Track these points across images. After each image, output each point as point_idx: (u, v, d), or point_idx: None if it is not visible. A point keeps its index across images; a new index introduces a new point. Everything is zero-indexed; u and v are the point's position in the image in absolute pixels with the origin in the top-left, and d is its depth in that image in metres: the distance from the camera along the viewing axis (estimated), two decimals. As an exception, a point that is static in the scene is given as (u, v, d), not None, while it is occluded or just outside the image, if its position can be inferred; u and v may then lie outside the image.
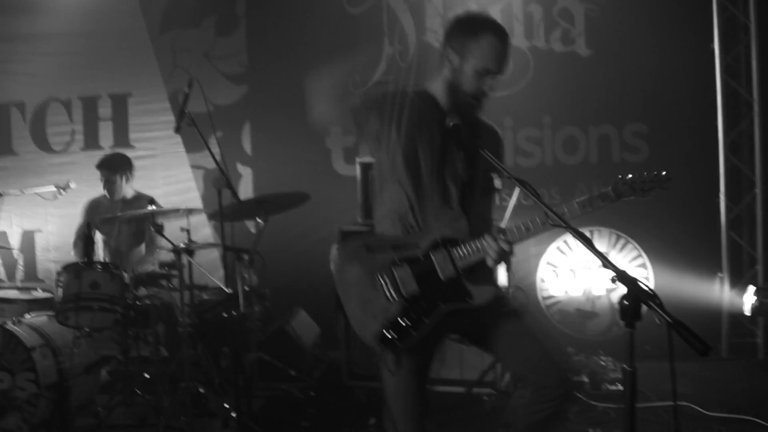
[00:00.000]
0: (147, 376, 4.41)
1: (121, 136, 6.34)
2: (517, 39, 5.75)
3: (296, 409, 4.48)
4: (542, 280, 5.72)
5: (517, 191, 2.62)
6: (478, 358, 4.28)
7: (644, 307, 1.78)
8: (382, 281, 2.40)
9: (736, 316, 5.44)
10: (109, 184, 5.10)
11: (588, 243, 2.04)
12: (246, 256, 4.56)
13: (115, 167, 5.11)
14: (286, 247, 5.64)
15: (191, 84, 3.99)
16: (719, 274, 5.50)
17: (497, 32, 2.46)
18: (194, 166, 6.26)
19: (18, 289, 5.45)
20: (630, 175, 2.35)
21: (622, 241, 5.60)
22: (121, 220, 4.79)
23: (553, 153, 5.83)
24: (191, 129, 4.01)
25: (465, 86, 2.46)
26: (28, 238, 6.45)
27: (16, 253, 6.34)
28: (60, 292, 4.26)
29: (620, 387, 4.42)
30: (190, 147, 6.17)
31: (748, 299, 5.28)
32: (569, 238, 5.56)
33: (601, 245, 5.56)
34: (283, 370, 4.79)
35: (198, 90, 3.97)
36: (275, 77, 6.04)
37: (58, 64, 6.35)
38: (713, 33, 5.44)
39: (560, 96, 5.69)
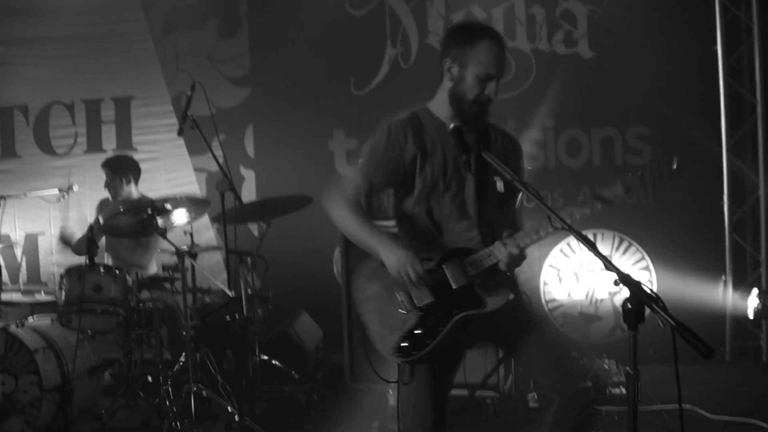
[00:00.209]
0: (150, 379, 4.41)
1: (124, 138, 6.33)
2: (520, 41, 5.75)
3: (299, 412, 4.47)
4: (545, 283, 5.70)
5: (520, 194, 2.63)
6: (481, 361, 4.26)
7: (647, 310, 1.78)
8: (398, 295, 2.47)
9: (740, 319, 5.43)
10: (109, 185, 5.12)
11: (591, 246, 2.04)
12: (249, 259, 4.57)
13: (116, 169, 5.11)
14: (288, 250, 5.64)
15: (194, 87, 4.00)
16: (723, 277, 5.49)
17: (493, 36, 2.49)
18: (197, 169, 6.25)
19: (21, 292, 5.46)
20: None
21: (625, 244, 5.59)
22: (121, 217, 4.74)
23: (556, 155, 5.82)
24: (194, 132, 4.01)
25: (468, 94, 2.48)
26: (31, 241, 6.44)
27: (18, 252, 6.33)
28: (63, 295, 4.27)
29: (623, 390, 4.40)
30: (193, 150, 6.16)
31: (752, 302, 5.28)
32: (572, 240, 5.55)
33: (604, 248, 5.54)
34: (286, 372, 4.80)
35: (201, 93, 3.98)
36: (278, 80, 6.05)
37: (60, 67, 6.34)
38: (716, 35, 5.44)
39: (563, 98, 5.67)
